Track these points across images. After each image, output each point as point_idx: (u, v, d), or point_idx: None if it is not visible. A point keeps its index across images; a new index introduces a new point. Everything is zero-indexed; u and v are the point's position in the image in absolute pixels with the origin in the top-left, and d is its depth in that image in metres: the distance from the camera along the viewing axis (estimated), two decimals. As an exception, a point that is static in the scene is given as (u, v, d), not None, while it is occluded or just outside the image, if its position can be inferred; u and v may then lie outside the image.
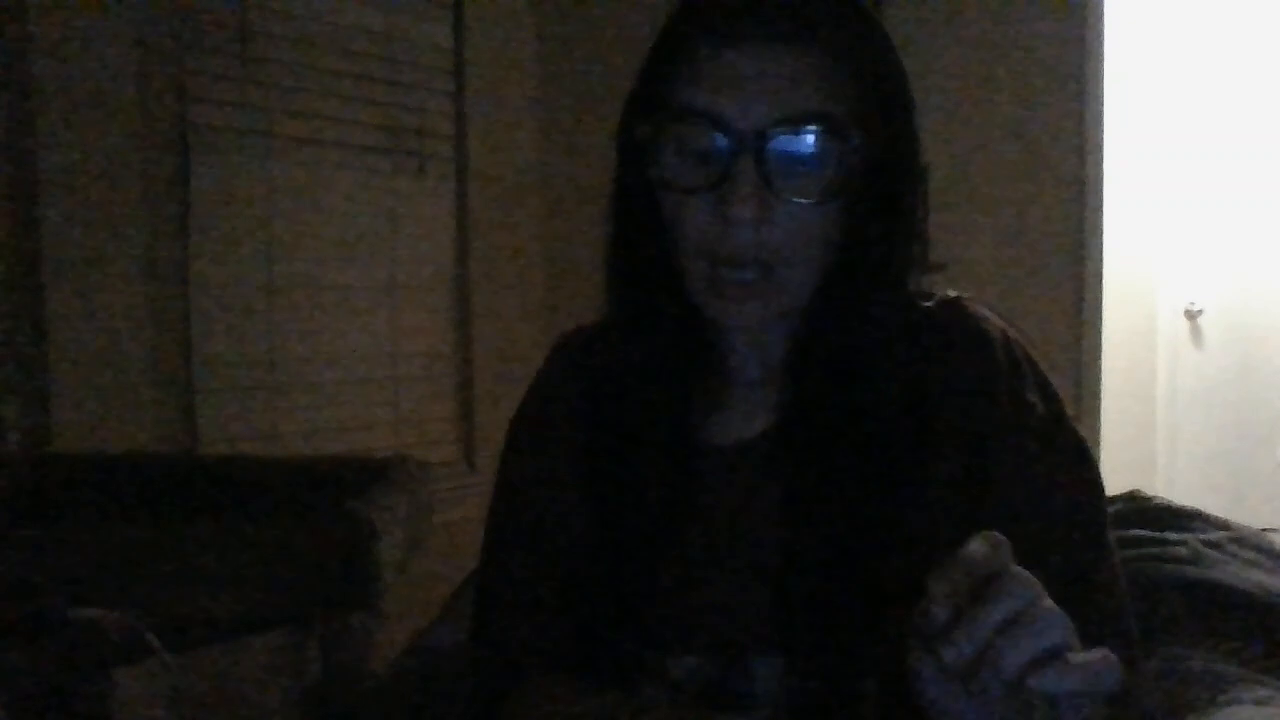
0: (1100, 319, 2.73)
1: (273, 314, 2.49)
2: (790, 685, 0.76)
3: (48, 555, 1.45)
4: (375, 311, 2.72)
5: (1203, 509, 1.06)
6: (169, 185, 2.26)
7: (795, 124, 0.73)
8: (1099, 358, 2.73)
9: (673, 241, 0.78)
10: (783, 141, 0.72)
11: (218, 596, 1.40)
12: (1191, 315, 3.72)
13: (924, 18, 2.76)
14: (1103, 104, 2.70)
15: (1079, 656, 0.56)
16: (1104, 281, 2.74)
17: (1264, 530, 1.03)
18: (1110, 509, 1.05)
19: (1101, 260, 2.73)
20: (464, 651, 0.96)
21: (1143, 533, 1.01)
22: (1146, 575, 0.97)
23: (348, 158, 2.64)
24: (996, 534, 0.60)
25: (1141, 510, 1.06)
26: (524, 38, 3.07)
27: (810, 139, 0.73)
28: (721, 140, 0.73)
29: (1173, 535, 1.00)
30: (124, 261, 2.16)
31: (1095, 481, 0.81)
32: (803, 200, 0.73)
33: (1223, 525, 1.03)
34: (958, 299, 0.84)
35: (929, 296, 0.85)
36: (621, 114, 0.81)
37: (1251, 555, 0.98)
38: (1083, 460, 0.80)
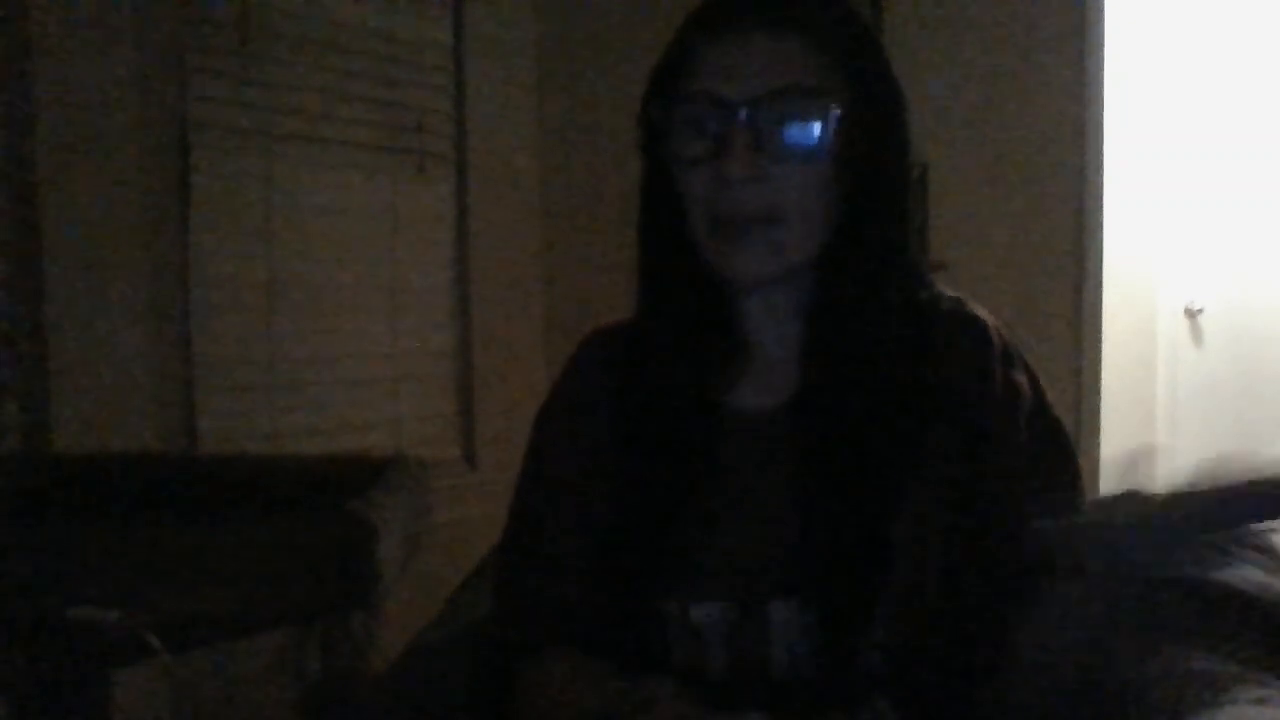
0: (1100, 319, 2.73)
1: (273, 314, 2.49)
2: (803, 627, 0.84)
3: (48, 555, 1.45)
4: (375, 311, 2.72)
5: (1202, 509, 1.05)
6: (169, 185, 2.26)
7: (781, 94, 0.84)
8: (1099, 358, 2.73)
9: (687, 214, 0.89)
10: (770, 110, 0.84)
11: (218, 596, 1.40)
12: (1191, 315, 3.72)
13: (924, 18, 2.76)
14: (1103, 104, 2.70)
15: None
16: (1104, 281, 2.74)
17: (1264, 530, 1.03)
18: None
19: (1101, 260, 2.73)
20: (471, 639, 0.99)
21: (1142, 533, 1.01)
22: (1146, 575, 0.97)
23: (348, 157, 2.64)
24: None
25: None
26: (524, 38, 3.06)
27: (794, 106, 0.85)
28: (718, 114, 0.85)
29: (1172, 535, 1.00)
30: (124, 261, 2.16)
31: (1073, 459, 0.92)
32: (790, 160, 0.85)
33: (1223, 525, 1.03)
34: (959, 297, 0.95)
35: (934, 293, 0.94)
36: (640, 108, 0.92)
37: (1251, 555, 0.98)
38: (1063, 439, 0.92)
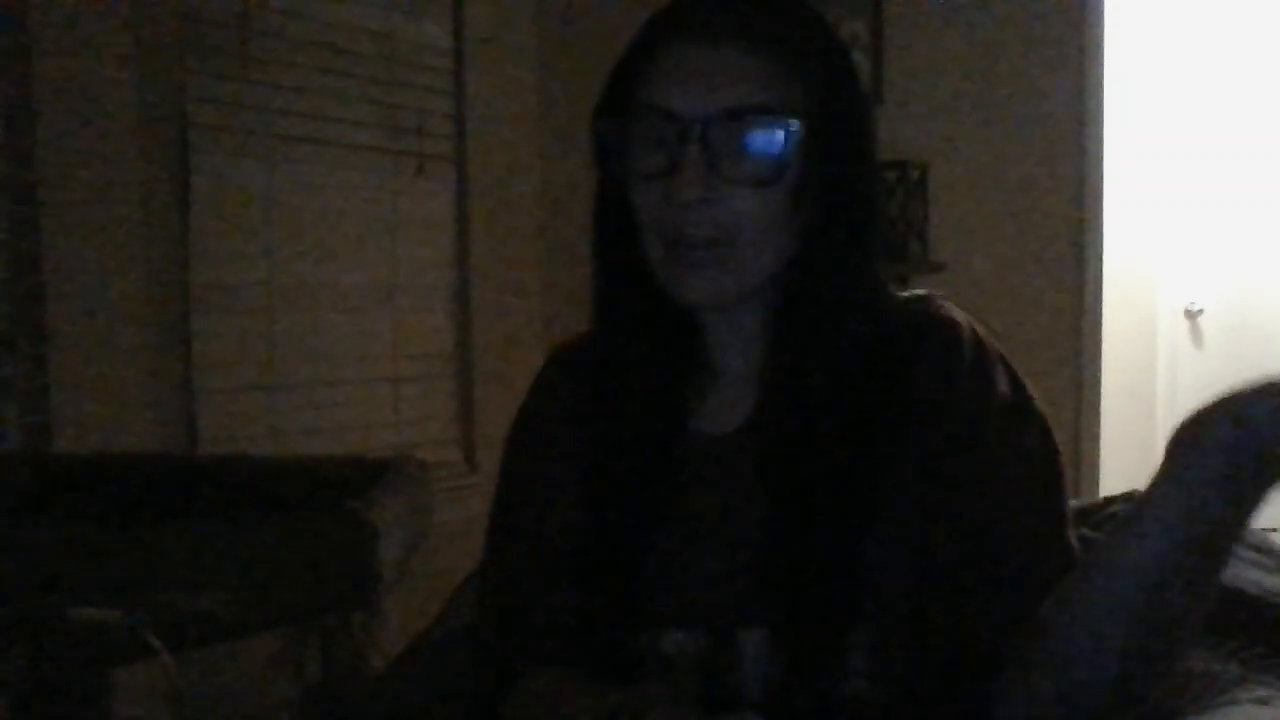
0: (1100, 319, 2.73)
1: (273, 314, 2.49)
2: (775, 656, 0.80)
3: (48, 555, 1.45)
4: (375, 311, 2.72)
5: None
6: (169, 185, 2.26)
7: (737, 114, 0.79)
8: (1099, 358, 2.73)
9: (639, 232, 0.84)
10: (725, 129, 0.79)
11: (218, 596, 1.40)
12: (1191, 315, 3.72)
13: (924, 17, 2.76)
14: (1103, 104, 2.70)
15: None
16: (1104, 281, 2.74)
17: (1264, 530, 1.03)
18: (1110, 510, 1.05)
19: (1101, 260, 2.73)
20: (467, 643, 0.99)
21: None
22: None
23: (348, 158, 2.64)
24: None
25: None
26: (524, 38, 3.07)
27: (751, 127, 0.79)
28: (670, 130, 0.79)
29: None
30: (124, 261, 2.16)
31: (1056, 466, 0.84)
32: (745, 183, 0.80)
33: (1222, 525, 1.02)
34: (927, 295, 0.89)
35: (899, 294, 0.89)
36: (591, 117, 0.86)
37: (1251, 555, 0.98)
38: (1046, 439, 0.84)
